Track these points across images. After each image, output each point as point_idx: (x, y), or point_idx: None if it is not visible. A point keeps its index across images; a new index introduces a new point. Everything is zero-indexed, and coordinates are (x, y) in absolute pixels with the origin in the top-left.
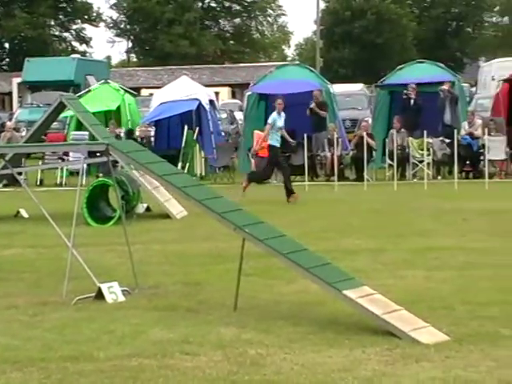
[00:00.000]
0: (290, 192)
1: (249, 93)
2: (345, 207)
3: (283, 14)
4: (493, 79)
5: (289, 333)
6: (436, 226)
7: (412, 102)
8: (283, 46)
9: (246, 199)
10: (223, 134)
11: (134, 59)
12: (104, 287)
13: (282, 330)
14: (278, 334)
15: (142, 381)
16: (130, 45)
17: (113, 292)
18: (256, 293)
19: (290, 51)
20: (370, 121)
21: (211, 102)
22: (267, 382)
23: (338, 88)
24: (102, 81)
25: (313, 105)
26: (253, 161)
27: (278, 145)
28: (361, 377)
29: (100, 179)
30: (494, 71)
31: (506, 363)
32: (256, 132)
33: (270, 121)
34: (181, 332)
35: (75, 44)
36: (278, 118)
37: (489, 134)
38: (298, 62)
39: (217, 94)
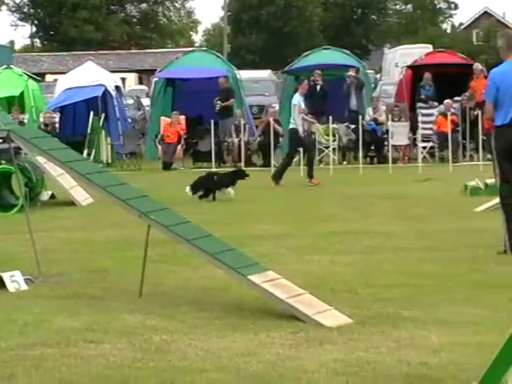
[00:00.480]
0: (310, 175)
1: (155, 79)
2: (251, 193)
3: None
4: (396, 66)
5: (193, 318)
6: (341, 211)
7: (318, 88)
8: (191, 32)
9: (154, 186)
10: (130, 120)
11: (39, 44)
12: (5, 276)
13: (186, 315)
14: (182, 320)
15: (45, 369)
16: (34, 29)
17: (15, 281)
18: (161, 279)
19: (197, 37)
20: (277, 107)
21: (117, 87)
22: (172, 368)
23: (245, 74)
24: (4, 66)
25: (218, 106)
26: (160, 147)
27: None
28: (265, 360)
29: (2, 166)
30: (397, 58)
31: (406, 344)
32: (163, 118)
33: (295, 102)
34: (85, 320)
35: None
36: (301, 100)
37: (392, 120)
38: (205, 48)
39: (123, 79)
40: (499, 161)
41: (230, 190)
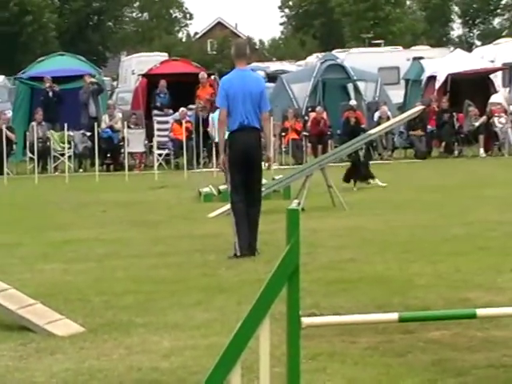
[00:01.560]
0: None
1: None
2: None
3: None
4: (133, 73)
5: None
6: (76, 219)
7: (51, 94)
8: None
9: None
10: None
11: None
12: None
13: None
14: None
15: None
16: None
17: None
18: None
19: None
20: (10, 114)
21: None
22: None
23: None
24: None
25: None
26: None
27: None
28: None
29: None
30: (134, 65)
31: (138, 350)
32: None
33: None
34: None
35: None
36: None
37: (129, 127)
38: None
39: None
40: (231, 166)
41: None
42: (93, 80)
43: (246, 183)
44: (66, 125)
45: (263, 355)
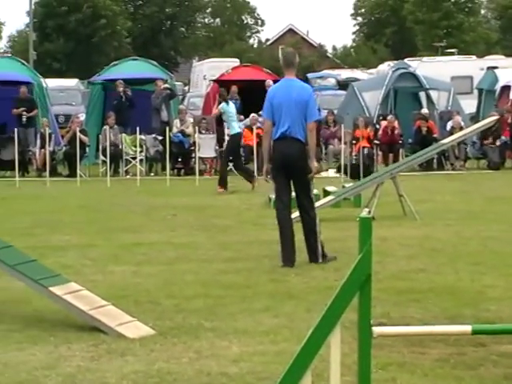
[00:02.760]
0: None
1: None
2: (56, 203)
3: None
4: (204, 78)
5: None
6: (146, 222)
7: (124, 98)
8: None
9: None
10: None
11: None
12: None
13: None
14: None
15: None
16: None
17: None
18: None
19: (1, 43)
20: (83, 117)
21: None
22: None
23: (51, 83)
24: None
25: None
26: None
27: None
28: (65, 373)
29: None
30: (205, 71)
31: (207, 354)
32: None
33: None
34: None
35: None
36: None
37: (200, 132)
38: (9, 55)
39: None
40: (274, 174)
41: None
42: (166, 85)
43: (295, 192)
44: (137, 129)
45: (334, 363)
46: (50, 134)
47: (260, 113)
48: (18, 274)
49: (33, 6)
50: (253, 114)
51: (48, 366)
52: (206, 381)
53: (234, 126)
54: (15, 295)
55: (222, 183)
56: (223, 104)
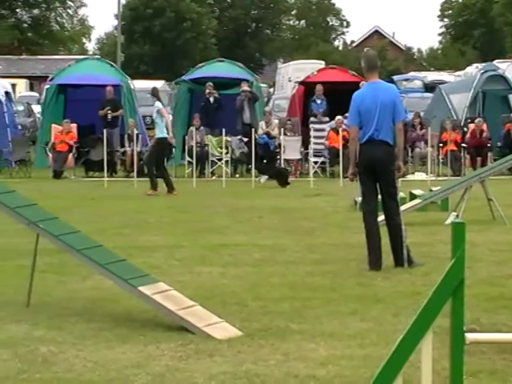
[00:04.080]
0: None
1: (47, 86)
2: (143, 204)
3: (83, 6)
4: (289, 80)
5: (82, 329)
6: (232, 224)
7: (212, 100)
8: (84, 40)
9: (44, 194)
10: (20, 127)
11: None
12: None
13: (75, 326)
14: (70, 331)
15: None
16: None
17: None
18: (49, 289)
19: (90, 45)
20: (171, 118)
21: (7, 93)
22: (59, 379)
23: (138, 84)
24: None
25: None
26: (50, 155)
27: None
28: (154, 372)
29: None
30: (290, 73)
31: (295, 357)
32: (54, 126)
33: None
34: None
35: None
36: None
37: (285, 134)
38: (98, 57)
39: (13, 85)
40: (361, 178)
41: None
42: (245, 88)
43: (382, 195)
44: (223, 130)
45: (425, 369)
46: (137, 135)
47: (346, 115)
48: (108, 273)
49: (121, 9)
50: (338, 117)
51: (137, 365)
52: (293, 383)
53: (163, 129)
54: (105, 294)
55: (154, 186)
56: (158, 103)
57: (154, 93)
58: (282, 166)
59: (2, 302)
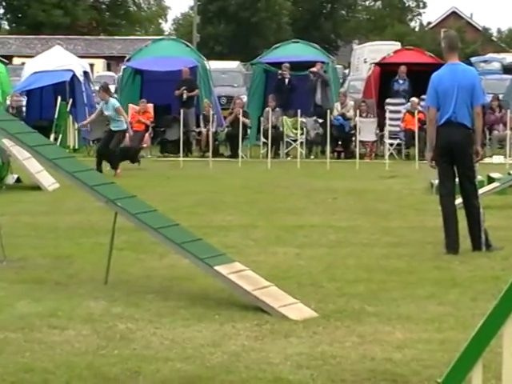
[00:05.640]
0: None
1: (124, 66)
2: (218, 183)
3: None
4: (365, 62)
5: (159, 307)
6: (307, 205)
7: (287, 81)
8: (160, 20)
9: (121, 172)
10: (97, 106)
11: (6, 26)
12: None
13: (152, 304)
14: (147, 309)
15: (8, 354)
16: (2, 11)
17: None
18: (127, 267)
19: (166, 26)
20: (245, 98)
21: (85, 73)
22: (136, 356)
23: (214, 65)
24: None
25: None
26: (127, 134)
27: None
28: (230, 351)
29: None
30: (366, 54)
31: (371, 339)
32: (131, 106)
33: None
34: (49, 305)
35: None
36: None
37: (360, 116)
38: (174, 37)
39: (91, 65)
40: (438, 160)
41: None
42: (313, 69)
43: (459, 178)
44: (299, 111)
45: (507, 355)
46: (212, 115)
47: (422, 97)
48: (184, 251)
49: None
50: (413, 99)
51: (213, 344)
52: (369, 366)
53: (120, 123)
54: (181, 273)
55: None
56: (103, 103)
57: (106, 89)
58: (357, 147)
59: (81, 279)
